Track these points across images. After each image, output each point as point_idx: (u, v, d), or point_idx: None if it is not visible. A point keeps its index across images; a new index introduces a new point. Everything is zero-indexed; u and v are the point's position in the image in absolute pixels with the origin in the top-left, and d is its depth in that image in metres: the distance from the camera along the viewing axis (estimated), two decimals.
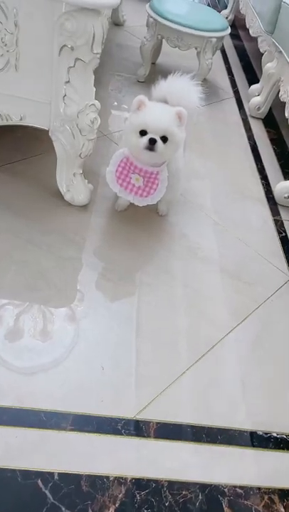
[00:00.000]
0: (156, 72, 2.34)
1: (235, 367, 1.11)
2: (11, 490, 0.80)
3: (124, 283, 1.22)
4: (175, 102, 1.32)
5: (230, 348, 1.14)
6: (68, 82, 1.14)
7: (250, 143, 2.01)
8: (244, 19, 2.75)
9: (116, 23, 2.67)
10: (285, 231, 1.56)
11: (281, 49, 1.91)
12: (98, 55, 1.11)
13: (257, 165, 1.86)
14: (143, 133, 1.17)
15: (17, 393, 0.93)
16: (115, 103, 2.06)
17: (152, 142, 1.15)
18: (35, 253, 1.22)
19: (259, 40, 2.42)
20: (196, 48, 2.04)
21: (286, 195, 1.64)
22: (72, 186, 1.35)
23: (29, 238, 1.26)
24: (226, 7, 3.44)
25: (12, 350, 1.00)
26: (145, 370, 1.04)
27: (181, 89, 1.34)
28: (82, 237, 1.32)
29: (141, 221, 1.43)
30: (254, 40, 2.52)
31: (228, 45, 2.97)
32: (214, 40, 2.00)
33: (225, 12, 3.34)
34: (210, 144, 1.92)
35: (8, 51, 1.11)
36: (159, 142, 1.16)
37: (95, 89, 1.19)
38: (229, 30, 2.07)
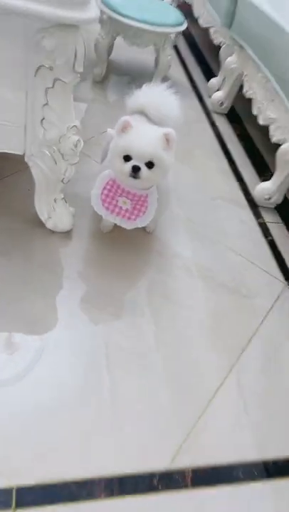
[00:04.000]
0: (112, 70, 2.23)
1: (253, 395, 1.08)
2: None
3: (119, 317, 1.15)
4: (153, 114, 1.25)
5: (246, 375, 1.11)
6: (46, 104, 1.02)
7: (218, 141, 1.97)
8: (190, 7, 2.67)
9: None
10: (271, 234, 1.55)
11: (242, 44, 1.87)
12: (79, 75, 1.00)
13: (230, 166, 1.83)
14: (127, 158, 1.08)
15: (38, 469, 0.84)
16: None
17: (136, 170, 1.07)
18: (24, 292, 1.12)
19: (211, 31, 2.36)
20: (154, 45, 1.95)
21: (267, 197, 1.63)
22: (54, 213, 1.24)
23: (11, 272, 1.14)
24: None
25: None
26: (163, 417, 0.98)
27: (159, 100, 1.26)
28: (68, 268, 1.22)
29: (128, 241, 1.35)
30: (204, 30, 2.46)
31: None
32: (173, 35, 1.92)
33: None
34: (180, 146, 1.85)
35: None
36: (144, 169, 1.07)
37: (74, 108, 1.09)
38: (186, 24, 2.00)
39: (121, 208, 1.20)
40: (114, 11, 1.85)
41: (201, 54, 2.72)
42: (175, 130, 1.18)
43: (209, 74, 2.43)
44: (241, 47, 1.90)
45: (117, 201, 1.19)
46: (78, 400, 0.95)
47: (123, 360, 1.05)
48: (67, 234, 1.30)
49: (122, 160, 1.08)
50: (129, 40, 1.91)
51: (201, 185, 1.69)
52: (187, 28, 2.01)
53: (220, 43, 2.26)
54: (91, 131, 1.77)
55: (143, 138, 1.08)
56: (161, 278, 1.27)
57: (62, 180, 1.16)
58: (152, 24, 1.85)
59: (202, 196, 1.63)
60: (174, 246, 1.39)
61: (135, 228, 1.24)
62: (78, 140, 1.09)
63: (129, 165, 1.07)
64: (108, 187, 1.18)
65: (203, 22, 2.45)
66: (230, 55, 2.03)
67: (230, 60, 1.99)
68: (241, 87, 1.99)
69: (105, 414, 0.94)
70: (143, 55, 2.28)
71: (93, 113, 1.94)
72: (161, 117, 1.25)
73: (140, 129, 1.10)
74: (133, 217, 1.21)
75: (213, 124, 2.08)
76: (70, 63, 0.95)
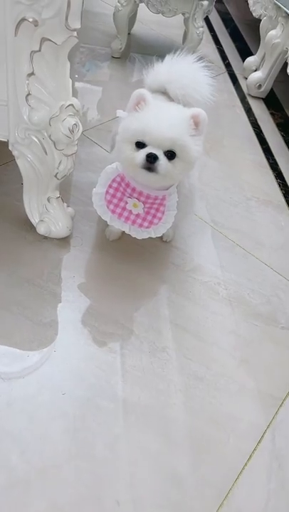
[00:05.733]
0: (133, 46, 1.95)
1: None
2: None
3: (123, 355, 0.90)
4: (179, 94, 0.98)
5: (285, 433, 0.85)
6: (32, 74, 0.77)
7: (254, 130, 1.67)
8: None
9: None
10: None
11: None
12: (75, 33, 0.74)
13: (268, 159, 1.54)
14: (140, 145, 0.82)
15: None
16: (88, 87, 1.67)
17: (152, 160, 0.80)
18: (7, 314, 0.88)
19: (250, 1, 2.05)
20: (183, 14, 1.66)
21: None
22: (48, 215, 1.00)
23: None
24: None
25: None
26: (183, 490, 0.73)
27: (186, 76, 0.99)
28: (63, 286, 0.97)
29: (139, 252, 1.09)
30: (240, 1, 2.15)
31: None
32: (206, 2, 1.62)
33: None
34: (207, 135, 1.57)
35: None
36: (163, 160, 0.81)
37: (71, 81, 0.83)
38: None
39: (131, 212, 0.94)
40: None
41: (237, 29, 2.40)
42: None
43: (246, 52, 2.11)
44: (288, 16, 1.59)
45: (126, 203, 0.94)
46: (65, 462, 0.71)
47: (130, 411, 0.80)
48: (63, 241, 1.05)
49: (134, 147, 0.82)
50: (154, 7, 1.63)
51: (232, 182, 1.41)
52: (222, 1, 1.71)
53: (260, 15, 1.95)
54: (106, 115, 1.51)
55: (163, 118, 0.81)
56: (179, 300, 1.01)
57: (56, 176, 0.91)
58: None
59: (232, 196, 1.35)
60: (196, 258, 1.12)
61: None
62: (75, 124, 0.83)
63: (143, 153, 0.81)
64: (115, 185, 0.93)
65: None
66: (273, 28, 1.71)
67: (272, 34, 1.68)
68: (284, 66, 1.69)
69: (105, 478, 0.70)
70: (170, 29, 1.99)
71: (109, 94, 1.67)
72: (187, 97, 0.98)
73: (159, 106, 0.84)
74: (146, 224, 0.95)
75: (248, 110, 1.78)
76: (61, 16, 0.69)
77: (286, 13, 1.59)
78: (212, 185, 1.36)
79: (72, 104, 0.82)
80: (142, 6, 1.71)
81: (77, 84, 1.64)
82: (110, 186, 0.93)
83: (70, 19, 0.69)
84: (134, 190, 0.91)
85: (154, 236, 0.97)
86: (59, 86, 0.79)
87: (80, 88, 1.64)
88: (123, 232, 1.06)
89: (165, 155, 0.81)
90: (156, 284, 1.04)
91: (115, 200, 0.94)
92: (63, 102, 0.81)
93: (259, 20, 1.91)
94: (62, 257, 1.02)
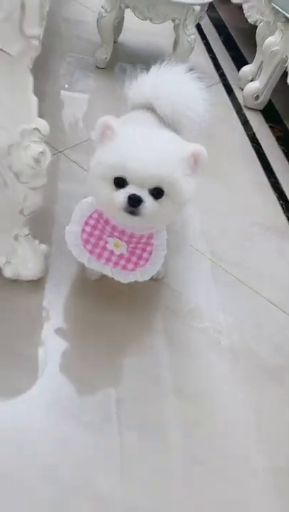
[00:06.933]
0: (120, 55, 1.81)
1: None
2: None
3: (101, 430, 0.74)
4: (168, 112, 0.83)
5: None
6: None
7: (253, 145, 1.53)
8: None
9: None
10: None
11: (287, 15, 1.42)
12: (36, 41, 0.59)
13: (269, 178, 1.39)
14: (120, 183, 0.66)
15: None
16: (69, 100, 1.52)
17: (135, 202, 0.65)
18: None
19: (245, 6, 1.92)
20: (173, 21, 1.52)
21: None
22: (15, 255, 0.84)
23: None
24: None
25: None
26: None
27: (176, 91, 0.85)
28: (33, 337, 0.81)
29: (127, 294, 0.93)
30: (233, 7, 2.02)
31: None
32: (198, 8, 1.48)
33: None
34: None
35: None
36: (148, 202, 0.65)
37: (36, 99, 0.68)
38: None
39: (112, 252, 0.79)
40: None
41: (230, 37, 2.27)
42: (197, 133, 0.79)
43: (241, 61, 1.98)
44: (287, 21, 1.45)
45: (107, 243, 0.78)
46: None
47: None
48: (36, 283, 0.89)
49: (112, 185, 0.67)
50: (141, 13, 1.49)
51: (231, 206, 1.26)
52: (214, 7, 1.58)
53: (256, 21, 1.82)
54: (89, 131, 1.36)
55: (146, 149, 0.66)
56: (174, 355, 0.85)
57: (21, 212, 0.76)
58: None
59: (232, 222, 1.20)
60: (194, 299, 0.97)
61: None
62: (42, 152, 0.68)
63: (123, 194, 0.65)
64: (92, 222, 0.77)
65: None
66: (271, 34, 1.58)
67: (270, 41, 1.54)
68: (284, 75, 1.55)
69: None
70: (159, 38, 1.86)
71: (93, 107, 1.53)
72: (177, 115, 0.84)
73: (141, 134, 0.69)
74: (131, 266, 0.80)
75: (245, 123, 1.64)
76: (14, 21, 0.54)
77: (285, 17, 1.46)
78: (209, 211, 1.21)
79: (37, 128, 0.67)
80: (129, 12, 1.57)
81: (57, 97, 1.50)
82: (87, 224, 0.78)
83: (25, 24, 0.54)
84: (114, 228, 0.75)
85: (140, 280, 0.82)
86: (18, 106, 0.64)
87: (62, 101, 1.49)
88: None
89: (151, 193, 0.66)
90: (147, 336, 0.88)
91: (93, 240, 0.78)
92: (25, 126, 0.65)
93: (255, 27, 1.78)
94: (31, 305, 0.86)
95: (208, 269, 1.05)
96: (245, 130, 1.60)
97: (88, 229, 0.77)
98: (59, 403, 0.74)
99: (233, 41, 2.23)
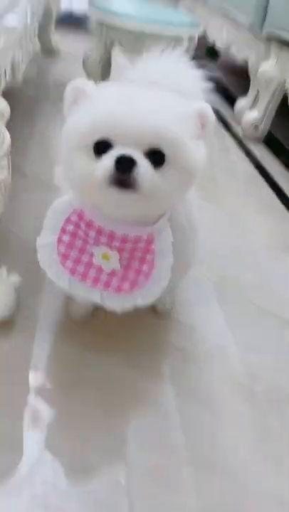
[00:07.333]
0: None
1: None
2: None
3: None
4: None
5: None
6: None
7: (259, 171, 1.38)
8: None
9: (48, 50, 2.09)
10: None
11: (284, 36, 1.34)
12: None
13: (282, 200, 1.23)
14: (102, 148, 0.48)
15: None
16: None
17: (125, 166, 0.46)
18: None
19: (233, 48, 1.89)
20: None
21: None
22: None
23: None
24: None
25: None
26: None
27: (171, 74, 0.70)
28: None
29: (122, 334, 0.71)
30: (219, 57, 1.99)
31: None
32: (186, 43, 1.41)
33: None
34: (211, 185, 1.26)
35: None
36: (143, 165, 0.47)
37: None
38: (201, 28, 1.51)
39: (101, 269, 0.58)
40: (108, 12, 1.38)
41: (220, 81, 2.23)
42: None
43: (232, 101, 1.91)
44: (282, 44, 1.38)
45: (92, 255, 0.58)
46: None
47: None
48: (3, 326, 0.68)
49: (92, 154, 0.48)
50: (129, 48, 1.42)
51: (244, 230, 1.07)
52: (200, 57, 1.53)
53: (245, 57, 1.77)
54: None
55: (137, 98, 0.49)
56: (188, 411, 0.62)
57: None
58: (159, 23, 1.36)
59: (245, 246, 1.01)
60: (210, 336, 0.75)
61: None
62: (5, 179, 0.51)
63: (109, 158, 0.47)
64: (71, 228, 0.58)
65: (222, 42, 1.98)
66: (266, 60, 1.50)
67: (265, 68, 1.46)
68: (283, 102, 1.45)
69: None
70: None
71: None
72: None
73: (129, 88, 0.52)
74: (126, 285, 0.59)
75: (248, 153, 1.51)
76: None
77: (279, 40, 1.38)
78: (221, 238, 1.02)
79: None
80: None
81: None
82: (64, 231, 0.58)
83: None
84: (100, 232, 0.56)
85: (142, 304, 0.60)
86: None
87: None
88: (94, 308, 0.71)
89: (147, 157, 0.47)
90: (152, 390, 0.65)
91: (74, 253, 0.58)
92: None
93: (242, 68, 1.72)
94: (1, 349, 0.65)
95: (221, 297, 0.83)
96: (250, 159, 1.46)
97: (66, 238, 0.58)
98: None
99: (222, 84, 2.19)
